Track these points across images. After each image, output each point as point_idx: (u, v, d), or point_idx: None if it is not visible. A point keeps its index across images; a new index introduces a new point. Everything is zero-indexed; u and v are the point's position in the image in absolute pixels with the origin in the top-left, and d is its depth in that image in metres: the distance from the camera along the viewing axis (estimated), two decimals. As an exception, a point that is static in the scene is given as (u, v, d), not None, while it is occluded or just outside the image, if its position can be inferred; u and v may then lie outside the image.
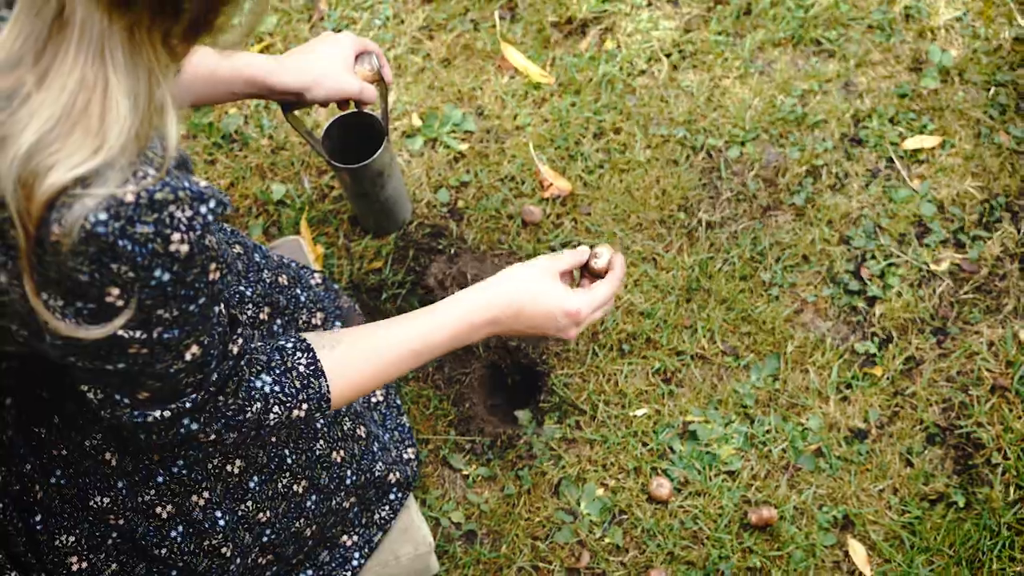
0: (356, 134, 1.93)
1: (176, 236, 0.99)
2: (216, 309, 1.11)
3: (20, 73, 0.90)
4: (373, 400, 1.84)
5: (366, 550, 1.72)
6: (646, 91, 2.33)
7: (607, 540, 1.89)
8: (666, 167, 2.24)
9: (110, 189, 0.93)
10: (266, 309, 1.71)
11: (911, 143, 2.27)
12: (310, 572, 1.68)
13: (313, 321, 1.75)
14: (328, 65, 1.74)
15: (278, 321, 1.73)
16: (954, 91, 2.34)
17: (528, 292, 1.44)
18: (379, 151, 1.89)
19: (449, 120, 2.28)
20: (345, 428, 1.63)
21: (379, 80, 1.81)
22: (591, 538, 1.89)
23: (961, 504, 1.92)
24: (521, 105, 2.31)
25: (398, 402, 1.86)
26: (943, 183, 2.23)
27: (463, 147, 2.26)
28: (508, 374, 2.08)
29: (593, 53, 2.37)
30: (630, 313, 2.08)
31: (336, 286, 1.87)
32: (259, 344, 1.32)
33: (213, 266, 1.06)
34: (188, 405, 1.17)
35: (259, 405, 1.26)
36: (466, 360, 2.05)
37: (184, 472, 1.40)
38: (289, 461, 1.53)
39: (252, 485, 1.48)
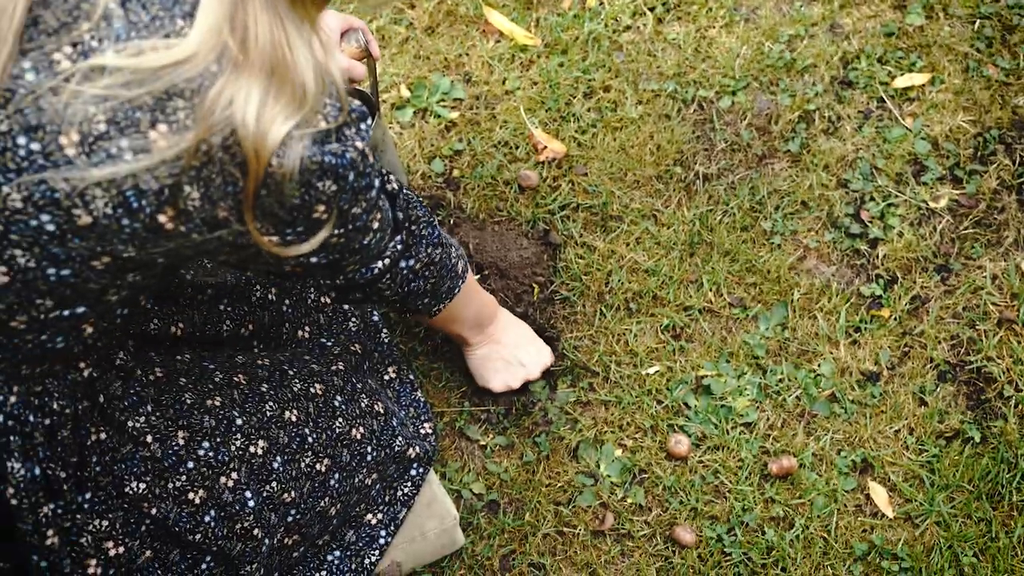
0: (348, 110, 1.90)
1: (359, 144, 1.14)
2: (378, 181, 1.24)
3: (223, 37, 1.00)
4: (386, 378, 1.83)
5: (392, 527, 1.72)
6: (633, 46, 2.31)
7: (630, 500, 1.89)
8: (659, 122, 2.22)
9: (313, 126, 1.07)
10: (273, 290, 1.70)
11: (901, 82, 2.27)
12: (337, 553, 1.68)
13: (323, 300, 1.74)
14: None
15: (287, 301, 1.72)
16: (940, 26, 2.33)
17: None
18: (371, 126, 1.86)
19: (438, 89, 2.25)
20: (363, 405, 1.63)
21: (367, 56, 1.79)
22: (613, 499, 1.89)
23: (977, 439, 1.92)
24: (509, 69, 2.28)
25: (411, 377, 1.85)
26: (935, 120, 2.23)
27: (454, 115, 2.23)
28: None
29: (577, 11, 2.35)
30: (635, 272, 2.07)
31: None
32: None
33: (369, 151, 1.20)
34: (399, 247, 1.41)
35: (439, 231, 1.52)
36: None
37: (211, 455, 1.39)
38: (311, 440, 1.52)
39: (276, 465, 1.48)
